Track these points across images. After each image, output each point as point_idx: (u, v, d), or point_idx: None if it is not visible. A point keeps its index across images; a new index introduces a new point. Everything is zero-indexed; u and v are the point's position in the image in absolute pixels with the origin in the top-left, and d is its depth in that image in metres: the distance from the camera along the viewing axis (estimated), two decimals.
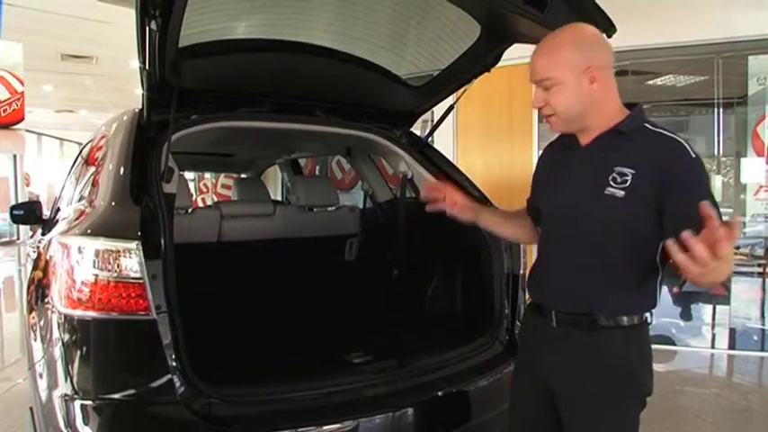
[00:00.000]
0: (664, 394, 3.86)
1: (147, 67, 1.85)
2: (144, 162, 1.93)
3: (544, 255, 1.62)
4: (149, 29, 1.67)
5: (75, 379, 1.59)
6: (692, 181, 1.37)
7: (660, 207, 1.38)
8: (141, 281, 1.59)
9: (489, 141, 5.30)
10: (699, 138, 7.94)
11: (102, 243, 1.61)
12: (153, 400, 1.62)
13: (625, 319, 1.45)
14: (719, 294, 5.33)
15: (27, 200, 6.58)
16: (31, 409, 1.99)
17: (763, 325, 5.00)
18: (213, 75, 2.22)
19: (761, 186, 5.08)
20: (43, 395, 1.73)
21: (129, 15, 1.70)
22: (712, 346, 5.17)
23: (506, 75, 3.11)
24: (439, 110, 2.78)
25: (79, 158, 3.15)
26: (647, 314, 1.48)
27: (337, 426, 1.75)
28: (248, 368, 2.02)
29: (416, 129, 2.92)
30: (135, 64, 1.94)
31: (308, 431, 1.71)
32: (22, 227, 11.49)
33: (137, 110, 2.20)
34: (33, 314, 2.02)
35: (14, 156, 13.51)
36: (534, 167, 1.77)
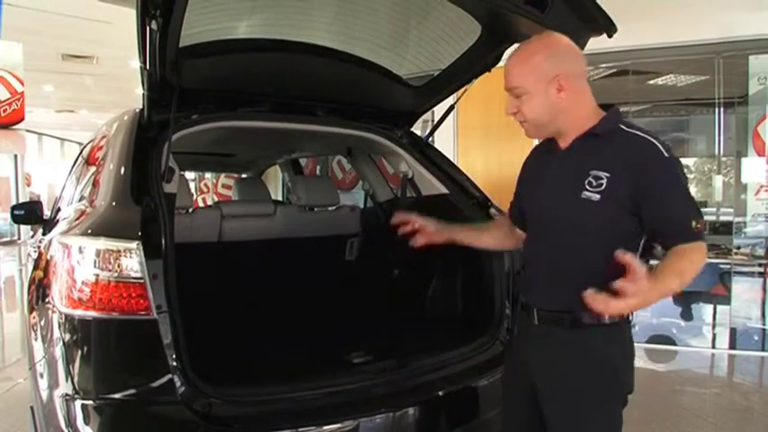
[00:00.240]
0: (664, 394, 3.86)
1: (147, 66, 1.85)
2: (144, 162, 1.93)
3: (529, 255, 1.68)
4: (150, 29, 1.67)
5: (75, 379, 1.59)
6: (665, 182, 1.41)
7: (637, 210, 1.42)
8: (142, 281, 1.59)
9: (490, 141, 5.29)
10: (699, 137, 7.97)
11: (103, 243, 1.61)
12: (153, 400, 1.62)
13: (607, 317, 1.46)
14: (720, 294, 5.33)
15: (28, 200, 6.59)
16: (31, 408, 1.99)
17: (764, 325, 5.00)
18: (214, 74, 2.22)
19: (761, 186, 5.08)
20: (44, 395, 1.73)
21: (129, 15, 1.70)
22: (713, 346, 5.17)
23: None
24: (439, 110, 2.78)
25: (80, 158, 3.15)
26: (628, 313, 1.50)
27: (338, 426, 1.74)
28: (248, 368, 2.02)
29: (417, 129, 2.92)
30: (135, 64, 1.94)
31: (309, 431, 1.71)
32: (22, 227, 11.50)
33: (137, 110, 2.20)
34: (34, 314, 2.02)
35: (15, 156, 13.51)
36: (519, 175, 1.81)
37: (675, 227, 1.40)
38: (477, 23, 2.10)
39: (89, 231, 1.68)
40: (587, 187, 1.45)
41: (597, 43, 2.03)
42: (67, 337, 1.63)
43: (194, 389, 1.62)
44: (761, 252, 5.15)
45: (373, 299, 2.86)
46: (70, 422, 1.55)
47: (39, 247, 2.60)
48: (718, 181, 6.79)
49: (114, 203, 1.79)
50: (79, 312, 1.60)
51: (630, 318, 1.52)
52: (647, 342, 5.03)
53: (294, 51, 2.22)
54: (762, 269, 5.14)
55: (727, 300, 5.18)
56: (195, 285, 1.99)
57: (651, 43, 4.98)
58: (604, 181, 1.43)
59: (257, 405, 1.77)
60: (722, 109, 5.68)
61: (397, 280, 2.91)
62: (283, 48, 2.20)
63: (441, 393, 1.98)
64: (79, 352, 1.61)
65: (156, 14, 1.62)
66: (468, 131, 5.35)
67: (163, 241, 1.68)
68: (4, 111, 6.89)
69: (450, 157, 2.87)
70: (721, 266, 5.37)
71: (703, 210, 8.05)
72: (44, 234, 2.93)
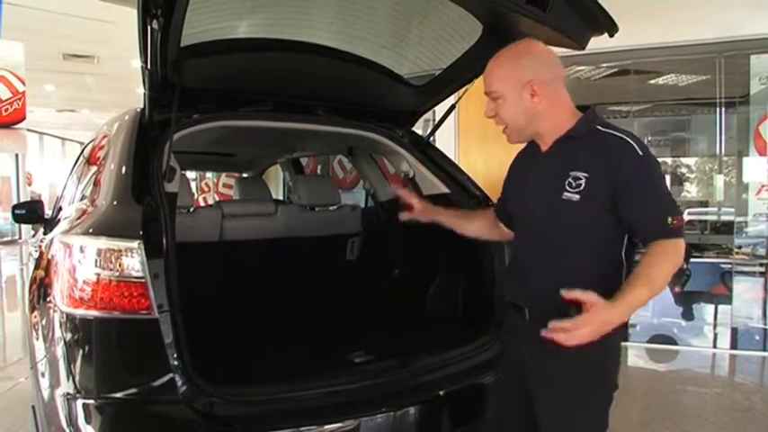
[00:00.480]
0: (665, 394, 3.86)
1: (148, 66, 1.85)
2: (146, 161, 1.93)
3: (516, 258, 1.74)
4: (151, 28, 1.67)
5: (77, 378, 1.60)
6: (640, 181, 1.45)
7: (615, 208, 1.46)
8: (143, 280, 1.59)
9: (490, 141, 5.26)
10: (701, 137, 7.96)
11: (104, 242, 1.61)
12: (155, 400, 1.62)
13: None
14: (721, 294, 5.32)
15: (29, 199, 6.59)
16: (33, 407, 1.99)
17: (765, 325, 4.99)
18: (215, 74, 2.21)
19: (762, 186, 5.07)
20: (45, 394, 1.73)
21: (130, 15, 1.70)
22: (714, 346, 5.17)
23: None
24: (440, 109, 2.77)
25: (81, 158, 3.15)
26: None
27: (338, 425, 1.74)
28: (250, 367, 2.02)
29: (418, 128, 2.91)
30: (137, 63, 1.94)
31: (310, 430, 1.71)
32: (23, 226, 11.51)
33: (138, 109, 2.20)
34: (35, 313, 2.03)
35: (16, 155, 13.51)
36: (506, 176, 1.86)
37: (651, 225, 1.44)
38: (478, 23, 2.10)
39: (90, 231, 1.68)
40: (567, 188, 1.49)
41: (598, 43, 2.03)
42: (69, 336, 1.63)
43: (195, 388, 1.62)
44: (762, 252, 5.14)
45: (374, 298, 2.86)
46: (71, 421, 1.56)
47: (40, 247, 2.60)
48: (720, 180, 6.78)
49: (115, 203, 1.79)
50: (80, 312, 1.60)
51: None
52: (649, 342, 5.03)
53: (295, 51, 2.22)
54: (763, 269, 5.12)
55: (728, 299, 5.16)
56: (196, 285, 2.00)
57: (652, 43, 4.97)
58: (583, 181, 1.48)
59: (258, 404, 1.77)
60: (723, 108, 5.67)
61: (397, 279, 2.92)
62: (284, 47, 2.20)
63: (442, 393, 1.98)
64: (80, 351, 1.61)
65: (158, 14, 1.62)
66: (469, 131, 5.34)
67: (164, 241, 1.68)
68: (6, 110, 6.90)
69: (451, 157, 2.86)
70: (722, 266, 5.37)
71: (704, 209, 8.06)
72: (45, 233, 2.93)
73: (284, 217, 3.04)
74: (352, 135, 2.66)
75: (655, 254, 1.41)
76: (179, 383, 1.61)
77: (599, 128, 1.54)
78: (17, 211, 3.33)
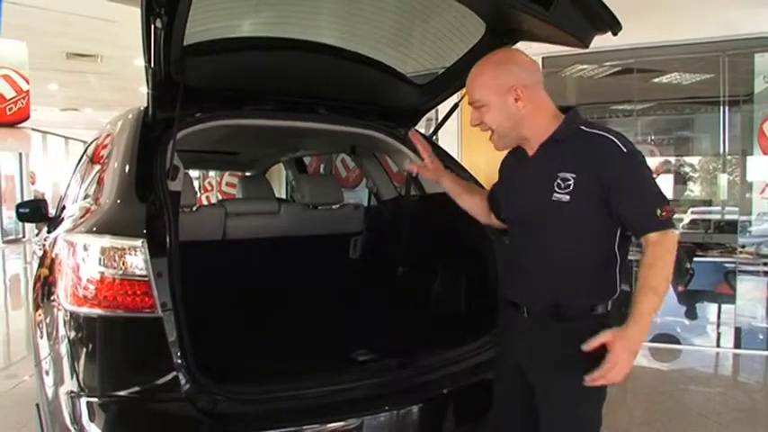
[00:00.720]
0: (668, 393, 3.85)
1: (152, 65, 1.85)
2: (149, 160, 1.93)
3: (512, 257, 1.77)
4: (154, 27, 1.66)
5: (81, 376, 1.60)
6: (627, 177, 1.50)
7: (606, 203, 1.51)
8: (147, 278, 1.59)
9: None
10: (704, 136, 7.94)
11: (108, 241, 1.61)
12: (158, 398, 1.63)
13: (589, 308, 1.57)
14: (725, 293, 5.31)
15: (32, 198, 6.61)
16: (37, 405, 2.00)
17: None
18: (218, 73, 2.22)
19: (766, 184, 5.06)
20: (49, 392, 1.74)
21: (133, 14, 1.70)
22: (717, 345, 5.15)
23: None
24: (443, 108, 2.77)
25: (84, 157, 3.16)
26: (610, 303, 1.59)
27: (342, 423, 1.75)
28: (253, 365, 2.02)
29: (420, 127, 2.91)
30: (140, 62, 1.94)
31: (313, 429, 1.71)
32: (27, 225, 11.54)
33: (142, 108, 2.20)
34: (39, 311, 2.03)
35: (20, 154, 13.57)
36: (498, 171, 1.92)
37: (642, 218, 1.49)
38: (481, 22, 2.10)
39: (94, 229, 1.68)
40: (557, 190, 1.54)
41: (602, 41, 2.02)
42: (73, 334, 1.64)
43: (199, 386, 1.63)
44: (766, 251, 5.12)
45: (377, 297, 2.86)
46: (75, 419, 1.56)
47: (44, 245, 2.61)
48: (723, 179, 6.77)
49: (119, 201, 1.79)
50: (84, 310, 1.60)
51: (610, 311, 1.60)
52: (652, 341, 5.02)
53: (298, 49, 2.22)
54: (767, 268, 5.11)
55: (731, 299, 5.15)
56: (199, 283, 2.00)
57: (656, 41, 4.96)
58: (572, 182, 1.52)
59: (261, 402, 1.77)
60: (727, 107, 5.66)
61: (400, 278, 2.91)
62: (288, 46, 2.20)
63: (445, 391, 1.98)
64: (84, 349, 1.62)
65: (161, 13, 1.62)
66: (472, 130, 5.30)
67: (167, 239, 1.69)
68: (10, 109, 6.92)
69: (454, 155, 2.86)
70: (726, 265, 5.35)
71: (708, 209, 8.03)
72: (49, 232, 2.94)
73: (287, 216, 3.04)
74: (356, 134, 2.66)
75: (650, 254, 1.47)
76: (182, 381, 1.61)
77: (582, 128, 1.59)
78: (21, 210, 3.33)
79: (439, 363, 2.08)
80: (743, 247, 5.28)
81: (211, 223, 2.80)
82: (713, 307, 5.53)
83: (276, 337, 2.43)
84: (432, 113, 3.13)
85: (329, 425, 1.73)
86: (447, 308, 2.64)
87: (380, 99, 2.65)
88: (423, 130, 2.95)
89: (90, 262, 1.61)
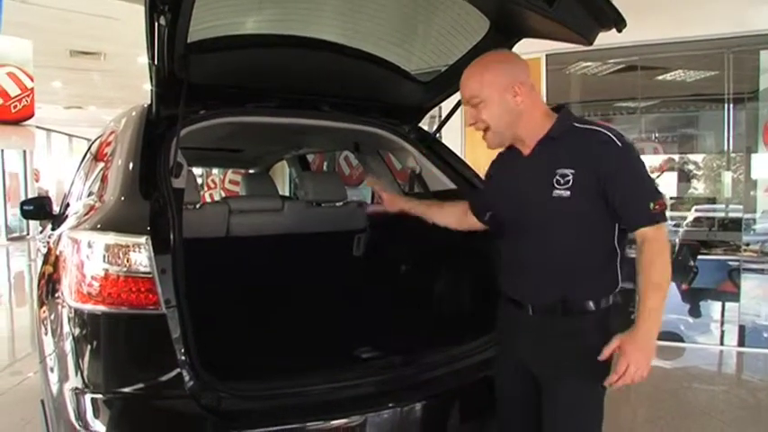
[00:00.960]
0: (672, 391, 3.84)
1: (155, 62, 1.85)
2: (153, 157, 1.94)
3: (512, 257, 1.77)
4: (158, 24, 1.67)
5: (85, 373, 1.61)
6: (622, 170, 1.53)
7: (604, 197, 1.54)
8: (150, 275, 1.59)
9: None
10: (708, 133, 7.91)
11: (112, 238, 1.62)
12: (162, 394, 1.63)
13: (593, 302, 1.59)
14: (729, 291, 5.30)
15: (37, 195, 6.63)
16: (42, 402, 2.01)
17: None
18: (222, 70, 2.22)
19: None
20: (54, 388, 1.74)
21: (137, 11, 1.71)
22: (721, 343, 5.13)
23: None
24: (447, 105, 2.77)
25: (88, 154, 3.16)
26: (612, 297, 1.62)
27: (345, 420, 1.75)
28: (257, 363, 2.02)
29: (423, 124, 2.91)
30: (143, 60, 1.95)
31: (316, 426, 1.72)
32: (31, 222, 11.58)
33: (145, 105, 2.20)
34: (44, 308, 2.04)
35: (24, 152, 13.61)
36: (486, 175, 1.96)
37: (635, 211, 1.53)
38: (485, 18, 2.09)
39: (98, 226, 1.69)
40: (556, 186, 1.56)
41: (606, 38, 2.01)
42: (77, 331, 1.64)
43: (203, 383, 1.63)
44: None
45: (380, 294, 2.86)
46: (80, 416, 1.56)
47: (48, 243, 2.61)
48: (728, 177, 6.75)
49: (123, 198, 1.79)
50: (88, 307, 1.61)
51: (612, 304, 1.63)
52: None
53: (302, 47, 2.22)
54: None
55: (735, 297, 5.14)
56: (203, 280, 2.00)
57: (660, 38, 4.93)
58: (571, 177, 1.54)
59: (265, 399, 1.77)
60: (732, 105, 5.63)
61: (403, 276, 2.91)
62: (291, 43, 2.20)
63: (448, 389, 1.98)
64: (89, 346, 1.62)
65: (165, 10, 1.62)
66: None
67: (171, 236, 1.69)
68: (14, 107, 6.94)
69: (458, 153, 2.86)
70: (730, 263, 5.34)
71: (712, 206, 8.01)
72: (53, 229, 2.95)
73: (291, 213, 3.04)
74: (359, 131, 2.66)
75: (647, 251, 1.51)
76: (186, 378, 1.61)
77: (576, 125, 1.62)
78: (25, 208, 3.34)
79: (443, 360, 2.08)
80: (747, 244, 5.26)
81: (215, 220, 2.81)
82: (717, 305, 5.52)
83: (280, 335, 2.43)
84: (435, 111, 3.12)
85: (333, 422, 1.73)
86: (450, 305, 2.64)
87: (384, 96, 2.65)
88: (426, 128, 2.95)
89: (94, 259, 1.62)
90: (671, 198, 7.35)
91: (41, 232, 3.88)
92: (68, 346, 1.66)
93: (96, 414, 1.56)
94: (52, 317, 1.86)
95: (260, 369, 1.93)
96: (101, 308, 1.59)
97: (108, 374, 1.60)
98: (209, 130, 2.25)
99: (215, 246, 2.78)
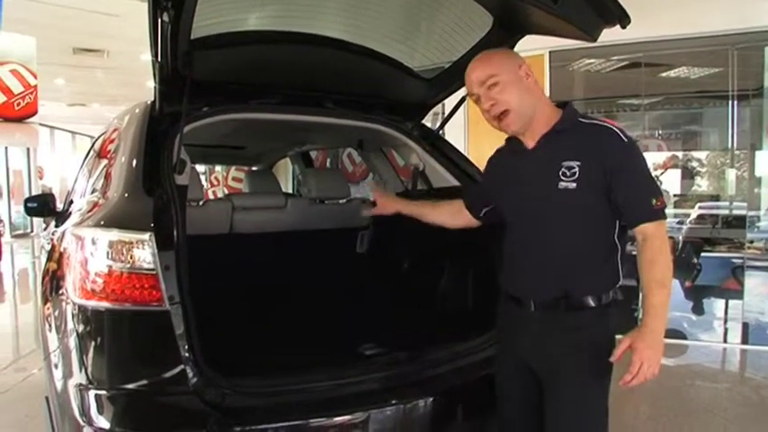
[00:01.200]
0: (675, 388, 3.84)
1: (159, 59, 1.85)
2: (156, 154, 1.94)
3: (514, 253, 1.76)
4: (162, 21, 1.66)
5: (89, 369, 1.61)
6: (627, 165, 1.55)
7: (608, 191, 1.55)
8: (154, 272, 1.60)
9: (500, 134, 5.24)
10: (712, 130, 7.87)
11: (116, 234, 1.62)
12: (166, 391, 1.63)
13: (595, 298, 1.60)
14: (732, 289, 5.28)
15: (40, 192, 6.64)
16: (46, 398, 2.01)
17: None
18: (225, 66, 2.21)
19: None
20: (58, 385, 1.75)
21: (140, 8, 1.70)
22: (724, 341, 5.13)
23: None
24: (450, 102, 2.76)
25: (92, 151, 3.17)
26: (613, 292, 1.63)
27: (348, 417, 1.75)
28: (260, 359, 2.02)
29: (427, 121, 2.91)
30: (146, 57, 1.95)
31: (320, 422, 1.72)
32: (34, 219, 11.59)
33: (149, 102, 2.20)
34: (48, 305, 2.04)
35: (28, 149, 13.64)
36: (484, 172, 1.98)
37: (637, 206, 1.55)
38: (488, 15, 2.09)
39: (102, 223, 1.69)
40: (563, 178, 1.57)
41: (609, 35, 2.01)
42: (81, 327, 1.65)
43: (206, 379, 1.63)
44: None
45: (384, 291, 2.86)
46: (84, 412, 1.57)
47: (52, 240, 2.62)
48: (732, 174, 6.72)
49: (126, 195, 1.79)
50: (92, 303, 1.61)
51: (613, 300, 1.64)
52: None
53: (305, 43, 2.22)
54: None
55: (739, 294, 5.12)
56: (207, 277, 2.00)
57: (664, 35, 4.92)
58: (577, 170, 1.56)
59: (269, 396, 1.77)
60: (736, 102, 5.61)
61: (407, 272, 2.91)
62: (294, 39, 2.19)
63: (451, 386, 1.98)
64: (92, 343, 1.62)
65: (168, 6, 1.62)
66: (479, 123, 5.25)
67: (175, 233, 1.69)
68: (18, 104, 6.94)
69: (461, 150, 2.86)
70: (734, 261, 5.32)
71: (716, 204, 7.98)
72: (57, 226, 2.96)
73: (294, 210, 3.04)
74: (362, 128, 2.66)
75: (649, 249, 1.53)
76: (190, 375, 1.62)
77: (581, 120, 1.64)
78: (29, 205, 3.35)
79: (446, 357, 2.08)
80: (751, 242, 5.25)
81: (218, 217, 2.81)
82: (720, 302, 5.50)
83: (283, 331, 2.43)
84: (438, 107, 3.12)
85: (336, 418, 1.74)
86: (453, 302, 2.64)
87: (387, 93, 2.65)
88: (429, 124, 2.95)
89: (98, 255, 1.62)
90: (674, 195, 7.32)
91: (45, 229, 3.89)
92: (72, 342, 1.66)
93: (100, 410, 1.56)
94: (56, 313, 1.87)
95: (263, 366, 1.93)
96: (104, 304, 1.59)
97: (112, 371, 1.60)
98: (213, 126, 2.25)
99: (218, 243, 2.79)
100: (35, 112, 7.11)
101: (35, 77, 7.00)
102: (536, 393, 1.69)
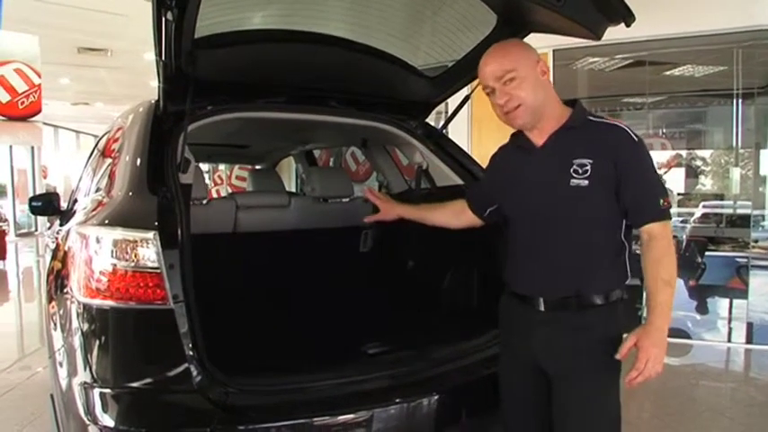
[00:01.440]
0: (679, 388, 3.83)
1: (163, 58, 1.85)
2: (160, 153, 1.94)
3: (522, 251, 1.73)
4: (165, 20, 1.66)
5: (94, 367, 1.61)
6: (636, 164, 1.56)
7: (617, 188, 1.56)
8: (158, 270, 1.60)
9: (504, 132, 5.22)
10: (717, 129, 7.85)
11: (120, 233, 1.62)
12: (170, 389, 1.63)
13: (606, 295, 1.60)
14: (737, 288, 5.27)
15: (45, 191, 6.66)
16: (51, 396, 2.02)
17: None
18: (229, 65, 2.21)
19: None
20: (63, 383, 1.75)
21: (144, 8, 1.70)
22: (729, 340, 5.11)
23: None
24: (454, 101, 2.76)
25: (96, 150, 3.17)
26: (621, 290, 1.63)
27: (352, 416, 1.75)
28: (264, 358, 2.03)
29: (430, 120, 2.90)
30: (150, 56, 1.95)
31: (323, 421, 1.72)
32: (39, 218, 11.64)
33: (153, 101, 2.21)
34: (53, 304, 2.05)
35: (32, 148, 13.68)
36: (486, 170, 1.98)
37: (645, 206, 1.56)
38: (492, 13, 2.08)
39: (106, 221, 1.69)
40: (574, 175, 1.56)
41: (613, 33, 2.00)
42: (86, 326, 1.65)
43: (210, 378, 1.63)
44: None
45: (388, 290, 2.86)
46: (89, 410, 1.57)
47: (56, 238, 2.63)
48: (736, 173, 6.70)
49: (131, 194, 1.80)
50: (97, 302, 1.61)
51: (622, 297, 1.64)
52: None
53: (309, 42, 2.21)
54: None
55: (744, 294, 5.11)
56: (211, 275, 2.01)
57: (668, 33, 4.90)
58: (589, 167, 1.55)
59: (272, 394, 1.77)
60: (741, 100, 5.60)
61: (411, 271, 2.91)
62: (298, 38, 2.19)
63: (456, 384, 1.98)
64: (97, 341, 1.63)
65: (172, 5, 1.62)
66: (483, 122, 5.30)
67: (179, 231, 1.69)
68: (22, 103, 6.96)
69: (465, 148, 2.85)
70: (738, 260, 5.31)
71: (720, 203, 7.97)
72: (61, 225, 2.96)
73: (298, 209, 3.05)
74: (366, 126, 2.65)
75: (655, 248, 1.53)
76: (194, 373, 1.62)
77: (591, 118, 1.64)
78: (34, 204, 3.35)
79: (450, 355, 2.07)
80: (756, 241, 5.24)
81: (222, 216, 2.81)
82: (725, 302, 5.49)
83: (287, 330, 2.44)
84: (441, 106, 3.12)
85: (340, 417, 1.73)
86: (457, 301, 2.63)
87: (391, 92, 2.64)
88: (433, 123, 2.94)
89: (102, 254, 1.62)
90: (678, 194, 7.31)
91: (50, 228, 3.90)
92: (77, 341, 1.66)
93: (105, 408, 1.57)
94: (61, 312, 1.87)
95: (267, 364, 1.94)
96: (109, 303, 1.59)
97: (116, 369, 1.60)
98: (217, 125, 2.25)
99: (222, 241, 2.79)
100: (39, 111, 7.12)
101: (39, 76, 7.01)
102: (540, 392, 1.68)
